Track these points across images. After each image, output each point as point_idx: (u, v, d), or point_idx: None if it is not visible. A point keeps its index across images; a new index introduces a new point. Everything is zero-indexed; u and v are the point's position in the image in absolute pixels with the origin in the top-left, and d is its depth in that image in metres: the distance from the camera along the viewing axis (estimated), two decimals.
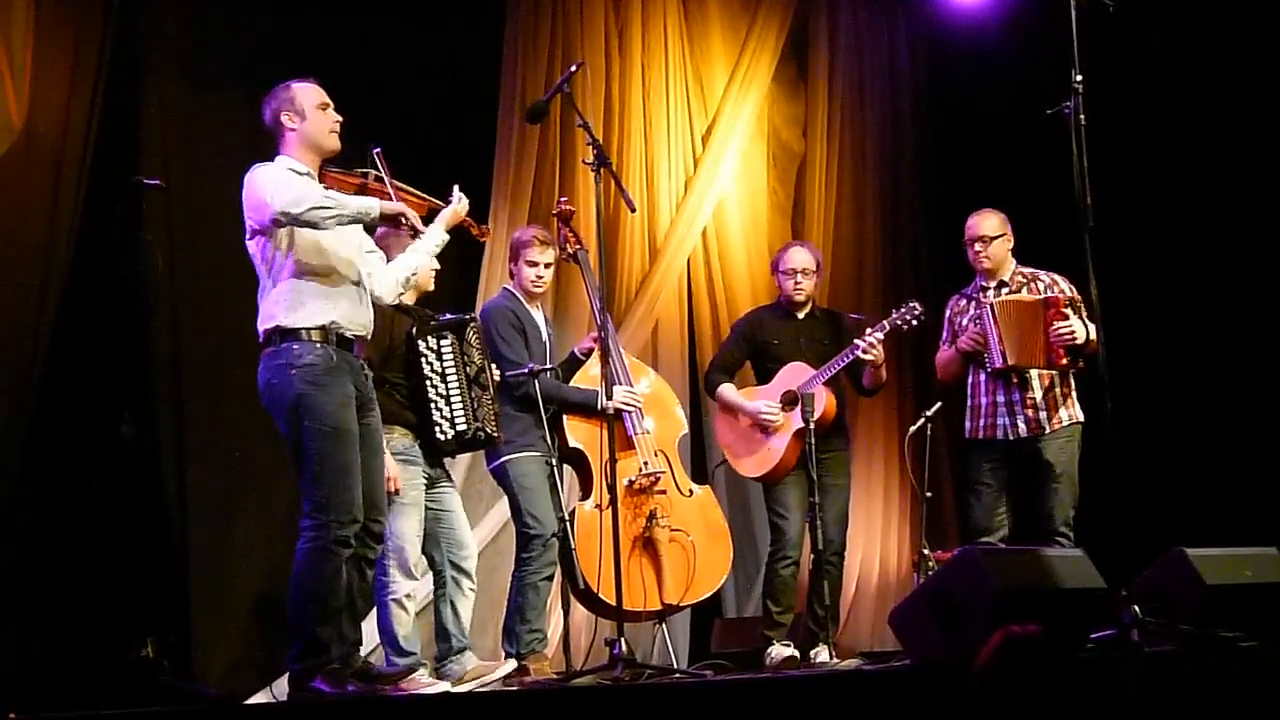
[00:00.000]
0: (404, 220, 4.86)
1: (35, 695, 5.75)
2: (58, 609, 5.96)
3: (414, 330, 5.58)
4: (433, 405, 5.56)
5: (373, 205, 4.81)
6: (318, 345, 4.77)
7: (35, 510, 5.96)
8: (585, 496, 6.10)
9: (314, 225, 4.71)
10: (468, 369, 5.63)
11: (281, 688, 5.47)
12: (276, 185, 4.72)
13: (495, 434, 5.69)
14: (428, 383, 5.56)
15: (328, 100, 4.98)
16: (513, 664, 5.54)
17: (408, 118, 6.78)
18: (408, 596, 5.53)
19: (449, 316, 5.79)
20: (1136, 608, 4.32)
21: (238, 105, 6.64)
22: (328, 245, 4.85)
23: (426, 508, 5.64)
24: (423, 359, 5.56)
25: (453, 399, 5.59)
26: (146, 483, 6.15)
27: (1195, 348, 7.69)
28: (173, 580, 6.24)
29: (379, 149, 5.07)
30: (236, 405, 6.44)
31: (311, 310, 4.79)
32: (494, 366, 5.82)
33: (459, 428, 5.57)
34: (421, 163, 5.25)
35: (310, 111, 4.93)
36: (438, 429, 5.56)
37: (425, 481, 5.63)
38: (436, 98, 7.21)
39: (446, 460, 5.84)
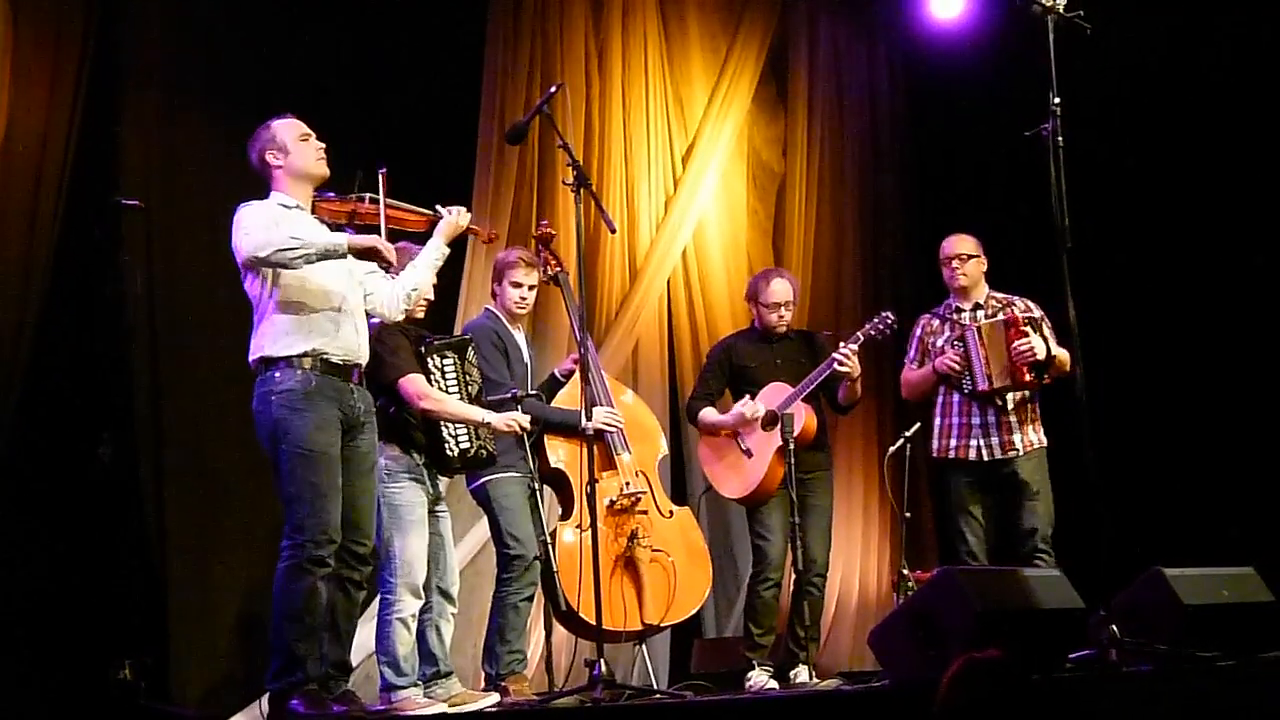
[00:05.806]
0: (376, 252, 4.89)
1: (12, 718, 5.72)
2: (36, 630, 5.91)
3: (421, 350, 5.58)
4: (441, 423, 5.56)
5: (340, 242, 4.86)
6: (298, 372, 4.86)
7: (12, 531, 5.91)
8: (566, 517, 6.09)
9: (284, 266, 4.80)
10: (469, 388, 5.63)
11: (259, 710, 5.44)
12: (247, 229, 4.82)
13: (495, 452, 5.69)
14: None
15: (308, 131, 5.05)
16: (495, 696, 5.51)
17: (386, 137, 6.78)
18: (412, 617, 5.51)
19: (449, 337, 5.81)
20: (1115, 628, 4.33)
21: (218, 123, 6.65)
22: (312, 277, 4.91)
23: None
24: (430, 376, 5.57)
25: None
26: (125, 504, 6.12)
27: (1173, 367, 7.71)
28: (152, 601, 6.20)
29: (384, 169, 5.12)
30: (216, 426, 6.44)
31: (293, 340, 4.88)
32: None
33: (463, 445, 5.57)
34: (400, 183, 5.26)
35: (293, 145, 5.00)
36: (446, 446, 5.56)
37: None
38: (416, 118, 7.20)
39: (441, 483, 5.83)
